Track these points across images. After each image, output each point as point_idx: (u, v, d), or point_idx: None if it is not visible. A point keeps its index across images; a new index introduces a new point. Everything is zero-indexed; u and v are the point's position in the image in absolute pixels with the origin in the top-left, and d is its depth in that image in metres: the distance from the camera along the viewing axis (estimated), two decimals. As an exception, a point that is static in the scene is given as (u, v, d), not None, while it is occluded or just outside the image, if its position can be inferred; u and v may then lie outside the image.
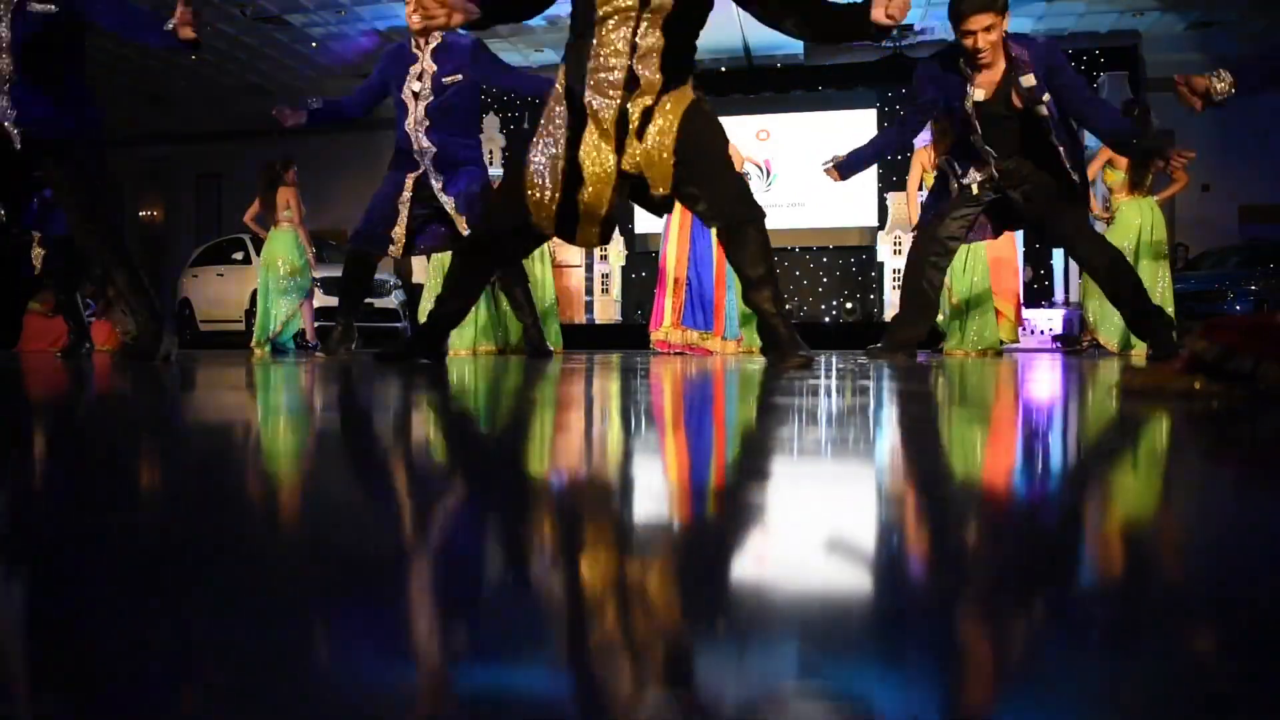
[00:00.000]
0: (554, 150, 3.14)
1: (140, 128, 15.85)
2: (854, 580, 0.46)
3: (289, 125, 4.58)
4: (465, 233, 4.39)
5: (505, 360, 4.72)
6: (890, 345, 4.26)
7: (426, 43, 4.43)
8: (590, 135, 3.10)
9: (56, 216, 5.59)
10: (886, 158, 4.19)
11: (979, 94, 3.86)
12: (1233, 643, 0.34)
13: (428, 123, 4.40)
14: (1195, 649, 0.34)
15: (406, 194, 4.49)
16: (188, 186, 16.46)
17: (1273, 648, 0.33)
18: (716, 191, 3.12)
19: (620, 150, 3.10)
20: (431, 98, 4.39)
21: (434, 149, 4.42)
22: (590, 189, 3.12)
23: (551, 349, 5.62)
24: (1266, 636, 0.35)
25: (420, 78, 4.40)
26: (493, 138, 11.71)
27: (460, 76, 4.41)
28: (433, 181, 4.47)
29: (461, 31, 4.42)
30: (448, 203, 4.46)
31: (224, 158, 15.66)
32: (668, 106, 3.06)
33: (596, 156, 3.10)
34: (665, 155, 3.06)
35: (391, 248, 4.57)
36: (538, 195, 3.16)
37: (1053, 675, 0.31)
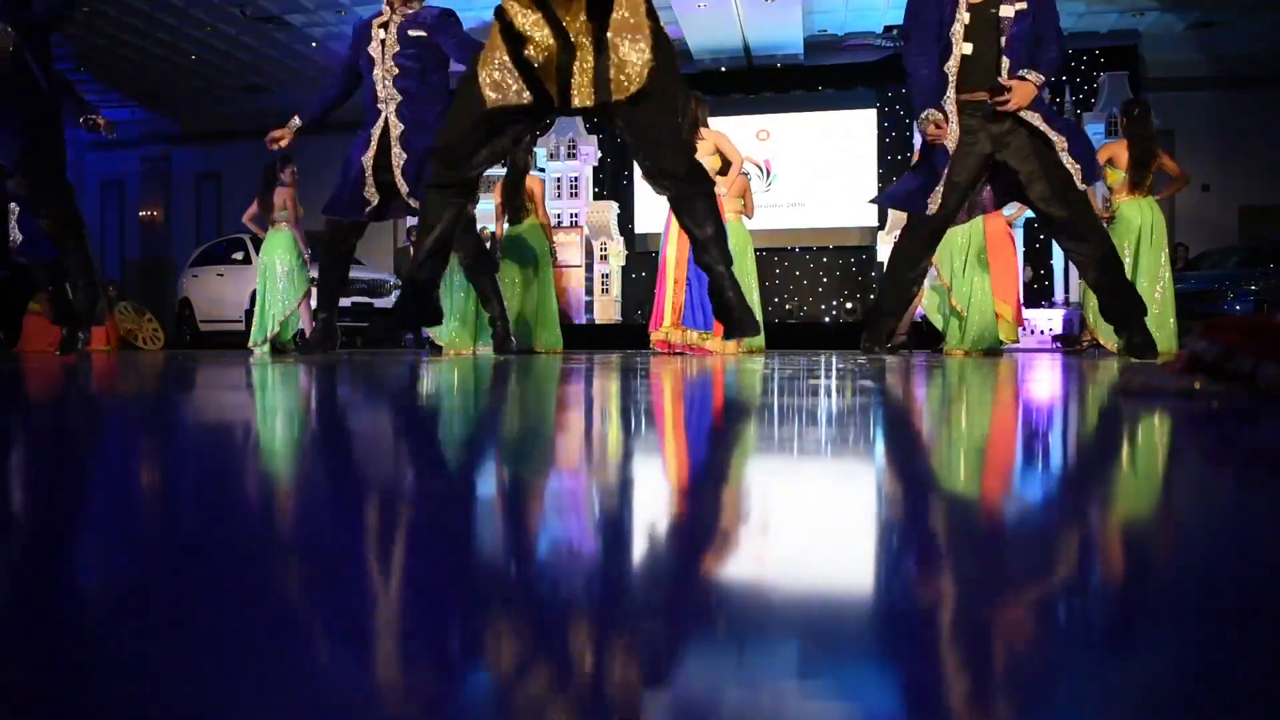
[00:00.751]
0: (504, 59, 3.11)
1: (141, 127, 15.86)
2: (854, 580, 0.46)
3: (284, 145, 4.76)
4: (413, 204, 4.53)
5: (502, 359, 4.72)
6: (874, 338, 4.24)
7: (400, 5, 4.54)
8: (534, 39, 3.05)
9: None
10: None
11: None
12: (1233, 643, 0.34)
13: (396, 70, 4.54)
14: (1195, 649, 0.34)
15: (370, 151, 4.57)
16: (188, 186, 16.46)
17: (1273, 648, 0.33)
18: (664, 158, 3.19)
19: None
20: (397, 47, 4.58)
21: (399, 96, 4.53)
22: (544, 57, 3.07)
23: (515, 344, 5.66)
24: (1267, 636, 0.35)
25: (385, 28, 4.53)
26: None
27: (425, 34, 4.52)
28: (392, 131, 4.54)
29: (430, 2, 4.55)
30: (399, 173, 4.55)
31: (224, 158, 15.67)
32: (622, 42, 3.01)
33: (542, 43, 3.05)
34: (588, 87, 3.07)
35: (369, 209, 4.63)
36: (501, 95, 3.11)
37: (1053, 675, 0.31)
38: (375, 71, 4.55)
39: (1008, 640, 0.35)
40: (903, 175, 4.38)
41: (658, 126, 3.17)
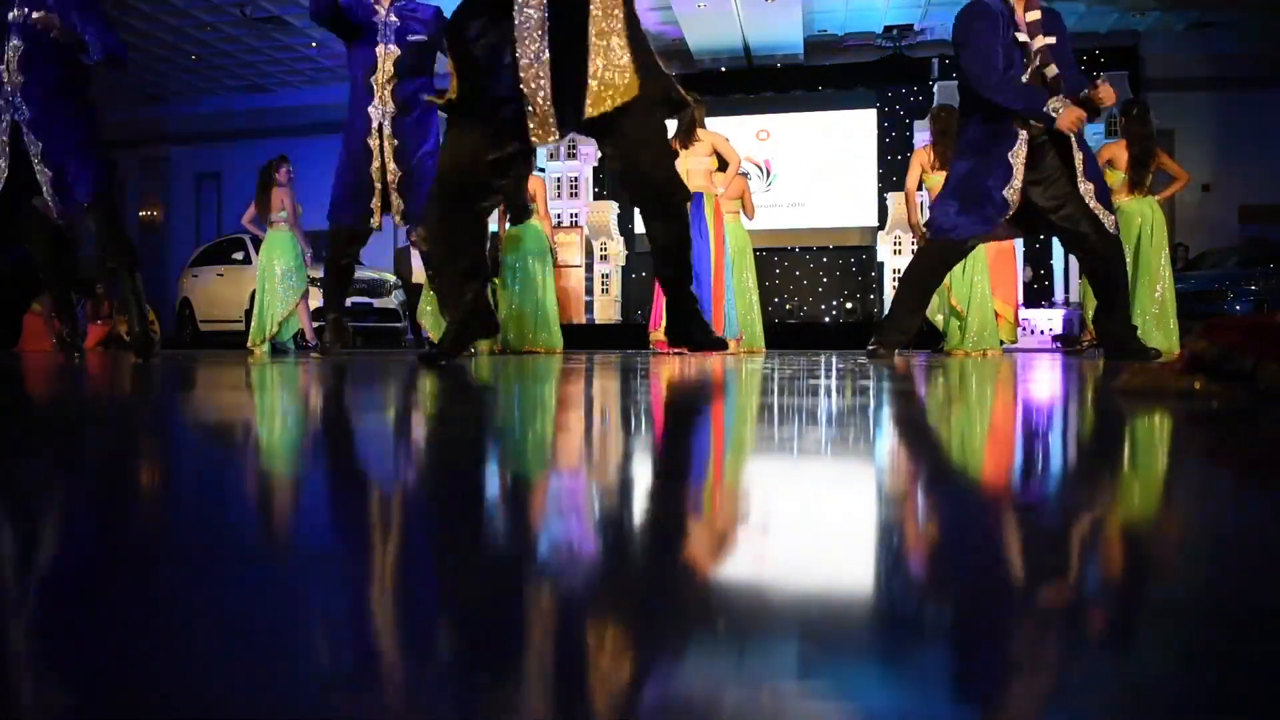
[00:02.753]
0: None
1: (140, 128, 15.85)
2: (854, 580, 0.46)
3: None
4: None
5: (505, 360, 4.72)
6: (883, 347, 4.24)
7: None
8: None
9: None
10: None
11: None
12: (1233, 643, 0.34)
13: (396, 80, 4.41)
14: (1195, 649, 0.34)
15: (375, 161, 4.47)
16: (188, 186, 16.46)
17: (1273, 647, 0.33)
18: (644, 161, 3.05)
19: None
20: (398, 52, 4.42)
21: (394, 106, 4.43)
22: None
23: (507, 347, 5.65)
24: (1266, 636, 0.35)
25: (384, 29, 4.40)
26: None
27: (424, 38, 4.41)
28: (385, 142, 4.46)
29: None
30: (393, 173, 4.47)
31: (224, 158, 15.66)
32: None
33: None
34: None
35: (372, 219, 4.54)
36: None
37: (1053, 675, 0.31)
38: (375, 76, 4.39)
39: (1007, 640, 0.35)
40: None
41: (639, 131, 3.01)
